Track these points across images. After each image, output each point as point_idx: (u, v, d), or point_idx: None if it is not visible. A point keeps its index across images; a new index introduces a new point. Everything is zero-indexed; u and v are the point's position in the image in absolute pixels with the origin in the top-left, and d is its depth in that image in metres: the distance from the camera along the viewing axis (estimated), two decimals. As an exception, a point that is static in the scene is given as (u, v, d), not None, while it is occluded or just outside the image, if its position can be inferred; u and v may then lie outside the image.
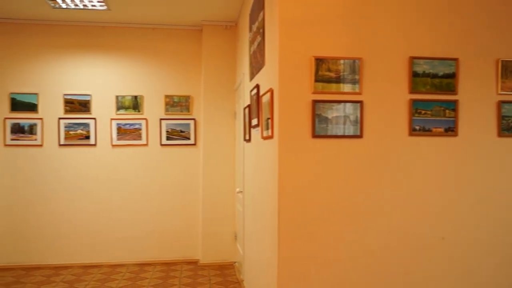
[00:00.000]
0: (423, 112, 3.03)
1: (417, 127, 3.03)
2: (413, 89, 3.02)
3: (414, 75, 3.03)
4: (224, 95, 5.94)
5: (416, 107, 3.02)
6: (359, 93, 2.96)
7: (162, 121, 6.03)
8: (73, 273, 5.49)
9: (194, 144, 6.10)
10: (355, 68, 2.95)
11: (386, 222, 3.00)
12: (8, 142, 5.79)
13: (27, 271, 5.58)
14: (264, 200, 3.48)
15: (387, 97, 3.01)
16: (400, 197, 3.02)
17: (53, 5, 5.22)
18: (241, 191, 5.11)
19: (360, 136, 2.96)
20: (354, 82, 2.95)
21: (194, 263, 5.96)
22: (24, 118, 5.82)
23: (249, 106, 4.32)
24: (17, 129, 5.81)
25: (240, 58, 5.44)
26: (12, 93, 5.81)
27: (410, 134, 3.02)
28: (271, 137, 3.17)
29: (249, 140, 4.40)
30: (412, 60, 3.02)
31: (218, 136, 5.93)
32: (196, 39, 6.12)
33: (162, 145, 6.05)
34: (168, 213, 6.05)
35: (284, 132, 2.92)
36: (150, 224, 6.02)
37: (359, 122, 2.95)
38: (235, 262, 5.77)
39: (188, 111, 6.11)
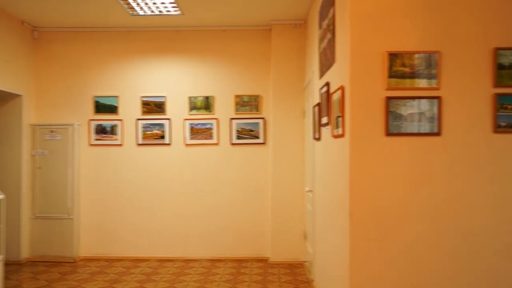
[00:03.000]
0: (509, 107, 2.82)
1: (503, 124, 2.82)
2: (498, 83, 2.82)
3: (500, 67, 2.82)
4: (293, 93, 5.93)
5: (501, 102, 2.82)
6: (437, 88, 2.81)
7: (232, 120, 6.14)
8: (150, 266, 5.76)
9: (264, 143, 6.15)
10: (432, 62, 2.81)
11: (466, 225, 2.83)
12: (93, 142, 6.20)
13: (110, 262, 5.94)
14: (334, 200, 3.43)
15: (468, 91, 2.83)
16: (483, 199, 2.83)
17: (131, 12, 5.50)
18: (311, 190, 5.07)
19: (437, 133, 2.81)
20: (430, 77, 2.81)
21: (264, 260, 6.01)
22: (106, 119, 6.21)
23: (318, 104, 4.27)
24: (100, 130, 6.20)
25: (309, 56, 5.40)
26: (95, 97, 6.21)
27: (495, 131, 2.83)
28: (342, 135, 3.11)
29: (319, 139, 4.35)
30: (497, 51, 2.81)
31: (287, 135, 5.92)
32: (265, 39, 6.16)
33: (232, 144, 6.16)
34: (238, 211, 6.16)
35: (355, 130, 2.86)
36: (222, 222, 6.16)
37: (437, 119, 2.81)
38: (305, 261, 5.74)
39: (258, 111, 6.16)
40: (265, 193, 6.13)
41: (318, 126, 4.30)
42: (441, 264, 2.83)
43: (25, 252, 5.94)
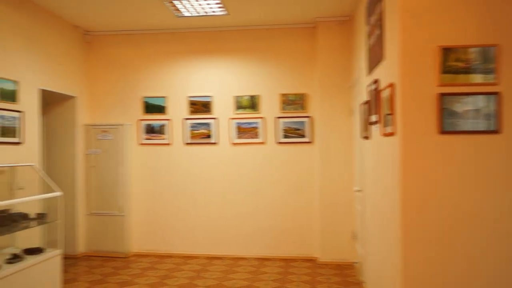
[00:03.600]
0: None
1: None
2: (561, 77, 2.64)
3: None
4: (340, 91, 5.84)
5: None
6: (495, 84, 2.68)
7: (278, 119, 6.13)
8: (199, 263, 5.86)
9: (310, 142, 6.09)
10: (489, 56, 2.68)
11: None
12: (142, 141, 6.38)
13: (160, 258, 6.10)
14: (385, 200, 3.34)
15: (529, 86, 2.67)
16: (546, 199, 2.67)
17: (177, 14, 5.60)
18: (360, 190, 4.98)
19: (496, 131, 2.68)
20: (487, 71, 2.68)
21: (312, 260, 5.97)
22: (155, 119, 6.37)
23: (367, 102, 4.18)
24: (149, 129, 6.37)
25: (356, 53, 5.29)
26: (145, 97, 6.38)
27: (558, 128, 2.65)
28: (392, 134, 3.02)
29: (367, 137, 4.26)
30: (560, 43, 2.64)
31: (334, 134, 5.84)
32: (310, 37, 6.10)
33: (278, 143, 6.15)
34: (286, 210, 6.14)
35: (407, 128, 2.77)
36: (269, 220, 6.16)
37: (495, 116, 2.67)
38: (355, 262, 5.64)
39: (304, 109, 6.12)
40: (313, 192, 6.08)
41: (367, 124, 4.21)
42: (497, 267, 2.69)
43: (81, 247, 6.21)
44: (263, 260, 6.02)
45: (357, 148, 5.29)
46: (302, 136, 6.10)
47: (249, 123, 6.19)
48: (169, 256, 6.24)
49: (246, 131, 6.19)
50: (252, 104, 6.20)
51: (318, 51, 5.92)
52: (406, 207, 2.77)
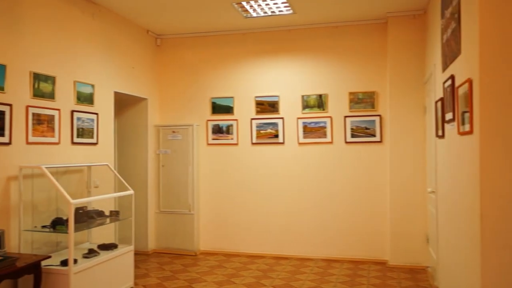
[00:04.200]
0: None
1: None
2: None
3: None
4: (412, 88, 5.60)
5: None
6: None
7: (347, 118, 6.00)
8: (266, 263, 5.88)
9: (380, 141, 5.90)
10: None
11: None
12: (210, 141, 6.53)
13: (227, 257, 6.20)
14: (461, 202, 3.15)
15: None
16: None
17: (245, 15, 5.66)
18: (433, 191, 4.73)
19: None
20: None
21: (382, 263, 5.77)
22: (222, 119, 6.48)
23: (441, 99, 3.97)
24: (217, 130, 6.50)
25: (430, 48, 5.04)
26: (212, 98, 6.52)
27: None
28: (469, 132, 2.84)
29: (442, 136, 4.03)
30: None
31: (406, 132, 5.61)
32: (380, 33, 5.90)
33: (346, 142, 6.02)
34: (354, 211, 5.99)
35: (486, 127, 2.59)
36: (336, 221, 6.05)
37: None
38: (427, 267, 5.38)
39: (373, 108, 5.93)
40: (382, 193, 5.88)
41: (442, 122, 3.99)
42: None
43: (151, 244, 6.46)
44: (330, 261, 5.92)
45: (430, 148, 5.04)
46: (372, 135, 5.92)
47: (316, 123, 6.11)
48: (236, 255, 6.32)
49: (313, 131, 6.12)
50: (319, 103, 6.12)
51: (389, 47, 5.71)
52: (485, 210, 2.58)
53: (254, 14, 5.65)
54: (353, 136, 5.99)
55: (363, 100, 5.98)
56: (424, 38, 5.50)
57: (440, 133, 4.12)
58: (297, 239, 6.18)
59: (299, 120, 6.17)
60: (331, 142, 6.08)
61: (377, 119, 5.91)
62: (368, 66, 5.98)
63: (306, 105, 6.17)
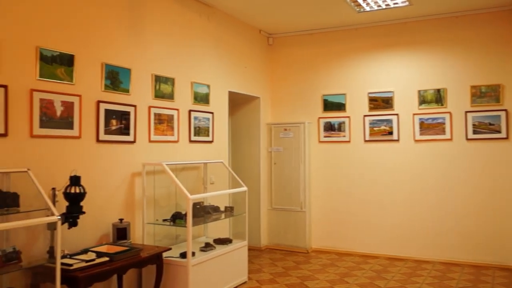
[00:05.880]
0: None
1: None
2: None
3: None
4: (547, 79, 5.07)
5: None
6: None
7: (468, 113, 5.62)
8: (379, 263, 5.73)
9: (506, 138, 5.44)
10: None
11: None
12: (322, 139, 6.53)
13: (339, 256, 6.16)
14: None
15: None
16: None
17: (358, 10, 5.56)
18: None
19: None
20: None
21: (508, 269, 5.31)
22: (334, 117, 6.45)
23: None
24: (328, 127, 6.48)
25: None
26: (324, 95, 6.51)
27: None
28: None
29: None
30: None
31: (539, 128, 5.11)
32: (505, 21, 5.42)
33: (468, 139, 5.64)
34: (475, 212, 5.58)
35: None
36: (456, 223, 5.69)
37: None
38: None
39: (498, 102, 5.49)
40: (509, 193, 5.41)
41: None
42: None
43: (264, 240, 6.64)
44: (449, 265, 5.60)
45: None
46: (497, 131, 5.48)
47: (434, 119, 5.81)
48: (349, 254, 6.25)
49: (430, 127, 5.83)
50: (437, 98, 5.81)
51: (518, 35, 5.24)
52: None
53: (368, 8, 5.53)
54: (475, 132, 5.60)
55: (486, 94, 5.56)
56: None
57: None
58: (413, 240, 5.93)
59: (415, 116, 5.91)
60: (450, 139, 5.73)
61: (502, 114, 5.46)
62: (491, 58, 5.54)
63: (422, 101, 5.89)
